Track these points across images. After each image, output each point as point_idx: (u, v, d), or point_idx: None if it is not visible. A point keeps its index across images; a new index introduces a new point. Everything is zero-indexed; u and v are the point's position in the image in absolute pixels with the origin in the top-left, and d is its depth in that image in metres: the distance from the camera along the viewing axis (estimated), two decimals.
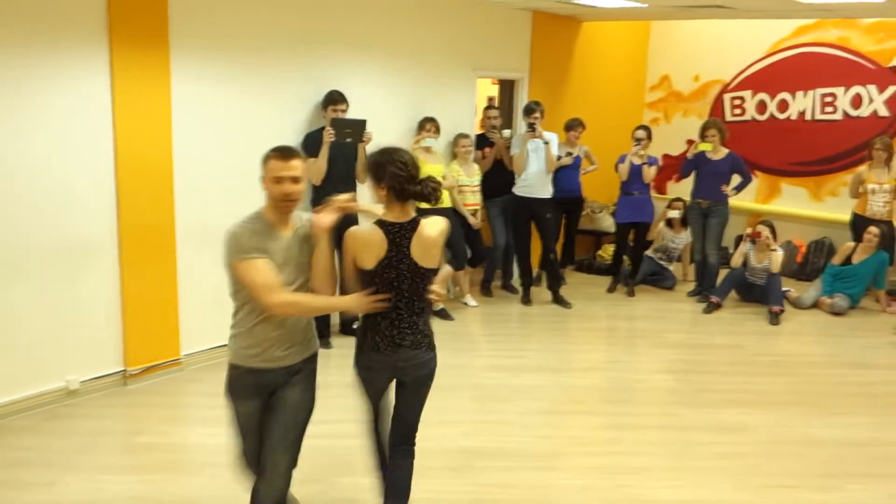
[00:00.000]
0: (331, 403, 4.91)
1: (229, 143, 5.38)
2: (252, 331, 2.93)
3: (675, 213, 7.98)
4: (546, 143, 6.82)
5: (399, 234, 3.04)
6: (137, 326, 4.99)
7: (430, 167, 6.48)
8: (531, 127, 6.75)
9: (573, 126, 7.56)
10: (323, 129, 5.59)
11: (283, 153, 2.88)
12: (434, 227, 3.09)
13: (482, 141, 7.34)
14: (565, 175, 7.53)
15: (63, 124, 4.51)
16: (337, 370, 5.55)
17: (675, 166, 8.57)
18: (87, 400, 4.76)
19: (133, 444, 4.31)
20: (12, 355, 4.48)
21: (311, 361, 3.14)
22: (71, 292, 4.68)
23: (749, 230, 7.36)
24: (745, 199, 8.37)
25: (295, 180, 2.86)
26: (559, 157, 7.33)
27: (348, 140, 5.62)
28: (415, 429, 3.33)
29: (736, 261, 7.35)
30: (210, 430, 4.44)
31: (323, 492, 3.78)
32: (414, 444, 3.33)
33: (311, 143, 5.65)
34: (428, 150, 6.48)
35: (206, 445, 4.25)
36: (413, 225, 3.05)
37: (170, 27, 4.89)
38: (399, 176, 3.01)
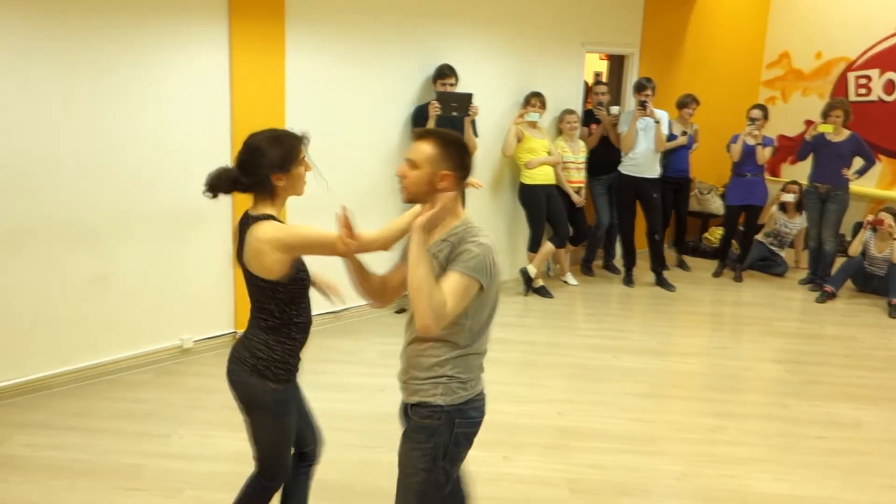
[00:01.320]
0: None
1: (340, 115, 5.48)
2: None
3: (789, 197, 7.64)
4: (657, 121, 6.64)
5: (240, 229, 2.64)
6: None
7: (535, 142, 6.43)
8: (642, 105, 6.58)
9: (687, 103, 7.31)
10: (430, 102, 5.62)
11: (415, 133, 2.46)
12: (264, 231, 2.52)
13: (589, 117, 7.20)
14: (678, 155, 7.33)
15: (183, 96, 4.70)
16: None
17: (792, 148, 8.19)
18: (198, 358, 4.99)
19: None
20: (132, 314, 4.73)
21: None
22: (186, 257, 4.89)
23: (870, 217, 6.97)
24: (866, 184, 7.92)
25: (411, 164, 2.36)
26: (672, 137, 7.13)
27: (454, 114, 5.63)
28: (258, 459, 2.80)
29: (854, 249, 6.98)
30: (312, 393, 4.50)
31: None
32: (259, 475, 2.82)
33: (419, 117, 5.70)
34: (533, 124, 6.42)
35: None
36: (246, 220, 2.61)
37: (286, 1, 5.00)
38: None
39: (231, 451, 3.86)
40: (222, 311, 5.13)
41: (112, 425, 4.09)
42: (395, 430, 4.13)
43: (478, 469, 3.77)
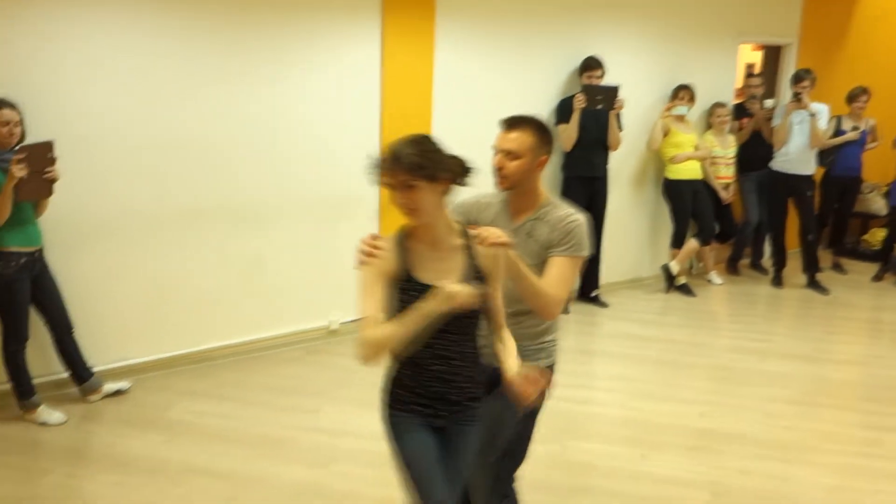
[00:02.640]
0: (563, 368, 5.00)
1: (486, 109, 5.53)
2: None
3: None
4: (812, 115, 6.30)
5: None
6: None
7: (682, 136, 6.27)
8: (797, 97, 6.26)
9: (857, 95, 6.87)
10: (575, 95, 5.59)
11: (506, 122, 2.50)
12: None
13: (740, 111, 6.93)
14: (848, 152, 6.94)
15: (336, 87, 4.91)
16: (574, 336, 5.64)
17: None
18: (345, 339, 5.21)
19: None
20: (286, 295, 5.01)
21: None
22: (335, 241, 5.12)
23: None
24: None
25: (508, 154, 2.42)
26: (840, 132, 6.77)
27: (599, 107, 5.58)
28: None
29: None
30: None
31: (555, 452, 3.86)
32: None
33: (564, 110, 5.69)
34: (680, 118, 6.26)
35: None
36: None
37: None
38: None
39: (373, 429, 4.00)
40: None
41: (265, 398, 4.35)
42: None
43: (615, 465, 3.77)
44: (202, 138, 4.51)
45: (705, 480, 3.63)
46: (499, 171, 2.48)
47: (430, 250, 2.22)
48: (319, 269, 5.10)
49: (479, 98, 5.50)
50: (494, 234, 2.19)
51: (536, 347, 2.56)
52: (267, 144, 4.74)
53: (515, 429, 2.57)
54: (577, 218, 2.44)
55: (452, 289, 2.03)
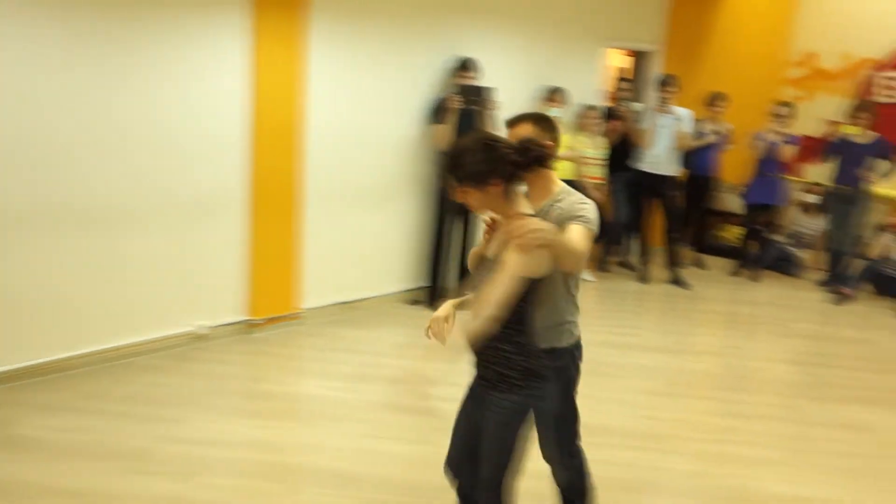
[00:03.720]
0: (443, 367, 5.02)
1: (360, 105, 5.50)
2: None
3: (812, 198, 7.57)
4: (676, 119, 6.59)
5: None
6: (263, 278, 5.21)
7: None
8: (662, 101, 6.53)
9: (715, 100, 7.24)
10: (450, 95, 5.61)
11: (510, 121, 2.73)
12: None
13: (610, 113, 7.17)
14: (702, 153, 7.28)
15: (207, 82, 4.72)
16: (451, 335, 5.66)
17: (815, 148, 8.08)
18: (214, 345, 5.03)
19: (254, 391, 4.53)
20: (148, 299, 4.77)
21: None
22: (202, 242, 4.92)
23: (892, 220, 6.89)
24: (887, 186, 7.82)
25: None
26: (701, 135, 7.11)
27: (474, 107, 5.62)
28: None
29: (875, 252, 6.91)
30: (325, 382, 4.62)
31: (430, 452, 3.85)
32: None
33: (439, 110, 5.70)
34: None
35: (321, 397, 4.42)
36: None
37: None
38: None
39: (244, 439, 3.90)
40: (237, 298, 5.17)
41: (125, 409, 4.13)
42: (405, 420, 4.17)
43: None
44: (44, 134, 4.18)
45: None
46: None
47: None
48: (184, 272, 4.89)
49: (354, 96, 5.44)
50: (520, 229, 2.24)
51: (556, 328, 2.77)
52: (118, 142, 4.46)
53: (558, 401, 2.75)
54: (589, 202, 2.66)
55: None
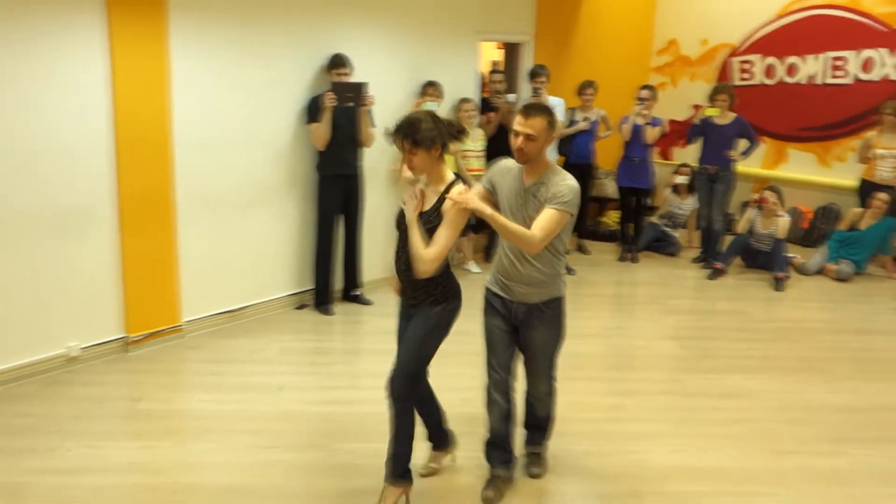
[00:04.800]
0: (328, 370, 4.92)
1: (230, 107, 5.31)
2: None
3: (681, 179, 7.90)
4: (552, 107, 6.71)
5: None
6: (138, 293, 4.95)
7: None
8: (535, 91, 6.64)
9: (584, 88, 7.42)
10: (325, 93, 5.50)
11: (526, 110, 3.09)
12: None
13: (486, 105, 7.23)
14: (579, 141, 7.44)
15: (60, 89, 4.43)
16: (340, 336, 5.57)
17: (682, 132, 8.46)
18: (88, 366, 4.74)
19: (133, 411, 4.29)
20: (11, 322, 4.45)
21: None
22: (70, 258, 4.63)
23: (755, 196, 7.28)
24: (751, 164, 8.29)
25: (528, 137, 3.05)
26: (572, 123, 7.27)
27: (350, 104, 5.53)
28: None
29: (741, 227, 7.28)
30: (210, 396, 4.44)
31: (322, 458, 3.77)
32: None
33: (314, 108, 5.58)
34: None
35: (206, 411, 4.24)
36: None
37: None
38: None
39: (122, 462, 3.68)
40: (110, 316, 4.89)
41: None
42: (295, 428, 4.06)
43: (380, 462, 3.74)
44: None
45: (474, 465, 3.71)
46: (520, 150, 3.08)
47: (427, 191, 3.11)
48: (52, 291, 4.58)
49: (222, 99, 5.25)
50: (461, 197, 2.95)
51: (554, 280, 3.31)
52: None
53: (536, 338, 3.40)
54: (569, 182, 3.11)
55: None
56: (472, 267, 7.14)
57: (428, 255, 3.01)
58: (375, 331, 5.66)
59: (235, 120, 5.34)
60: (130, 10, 4.62)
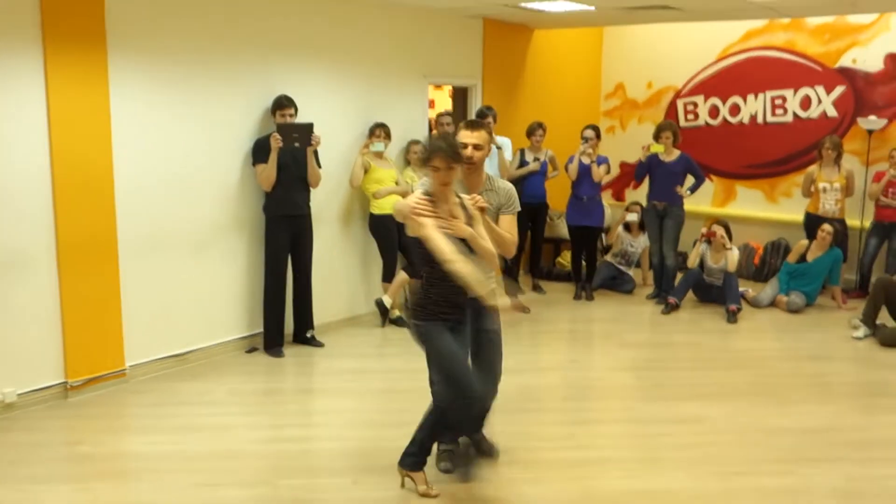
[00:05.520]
0: (277, 409, 4.83)
1: (174, 149, 5.28)
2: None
3: (632, 217, 8.00)
4: (499, 147, 6.79)
5: None
6: (78, 337, 4.83)
7: (382, 172, 6.44)
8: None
9: (534, 129, 7.53)
10: (271, 134, 5.51)
11: (470, 125, 3.67)
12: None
13: None
14: (532, 181, 7.51)
15: None
16: (291, 377, 5.48)
17: (633, 173, 8.59)
18: (25, 413, 4.58)
19: (72, 454, 4.14)
20: None
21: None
22: (6, 302, 4.52)
23: (704, 230, 7.39)
24: (701, 203, 8.44)
25: (476, 147, 3.59)
26: (524, 163, 7.37)
27: (296, 145, 5.54)
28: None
29: (692, 261, 7.37)
30: (152, 438, 4.32)
31: (267, 494, 3.66)
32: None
33: (261, 149, 5.58)
34: (379, 155, 6.43)
35: (148, 453, 4.12)
36: None
37: (107, 27, 4.78)
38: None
39: None
40: (49, 360, 4.75)
41: None
42: (241, 465, 3.95)
43: (326, 496, 3.66)
44: None
45: (418, 497, 3.64)
46: (469, 159, 3.54)
47: (444, 205, 3.42)
48: None
49: (166, 135, 5.21)
50: (481, 200, 3.49)
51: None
52: None
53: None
54: (509, 186, 3.76)
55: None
56: None
57: (512, 238, 3.66)
58: (328, 371, 5.58)
59: (179, 161, 5.30)
60: (68, 48, 4.60)
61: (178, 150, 5.30)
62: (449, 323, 3.47)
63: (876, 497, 3.70)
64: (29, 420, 4.51)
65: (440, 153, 3.33)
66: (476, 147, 3.59)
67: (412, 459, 3.66)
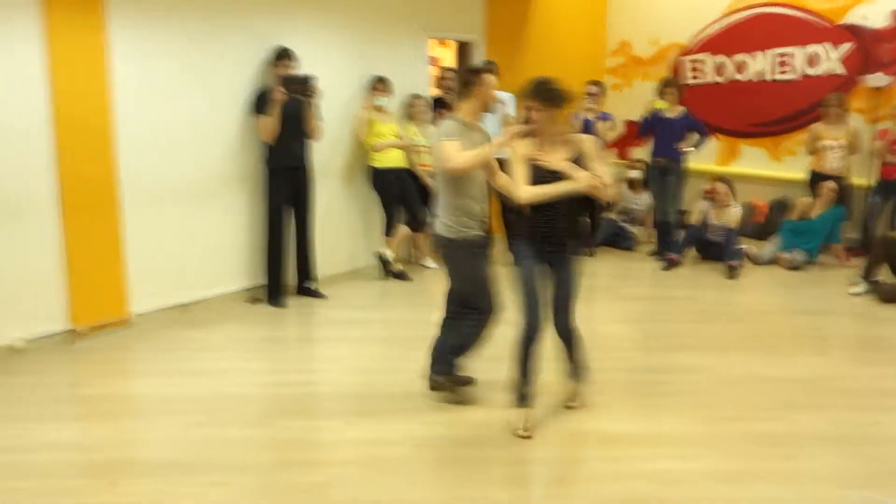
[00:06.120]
0: (278, 356, 4.92)
1: (175, 99, 5.32)
2: None
3: (635, 174, 8.00)
4: (502, 102, 6.78)
5: None
6: (83, 284, 4.93)
7: (383, 126, 6.47)
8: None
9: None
10: (272, 86, 5.53)
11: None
12: None
13: (438, 102, 7.30)
14: None
15: None
16: (292, 326, 5.57)
17: (637, 131, 8.57)
18: (32, 357, 4.70)
19: (73, 395, 4.26)
20: None
21: None
22: (10, 248, 4.61)
23: (706, 187, 7.39)
24: (705, 161, 8.41)
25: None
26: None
27: (297, 96, 5.57)
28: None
29: (695, 219, 7.38)
30: (152, 380, 4.43)
31: (265, 434, 3.76)
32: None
33: (262, 101, 5.61)
34: (380, 109, 6.44)
35: (146, 395, 4.24)
36: None
37: None
38: None
39: (57, 442, 3.65)
40: (55, 308, 4.86)
41: None
42: (239, 407, 4.05)
43: (322, 437, 3.75)
44: None
45: (405, 437, 3.72)
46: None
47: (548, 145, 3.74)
48: None
49: (166, 90, 5.27)
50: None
51: None
52: None
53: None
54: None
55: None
56: (430, 262, 7.17)
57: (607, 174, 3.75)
58: (328, 321, 5.67)
59: (180, 112, 5.35)
60: (66, 3, 4.63)
61: (179, 100, 5.35)
62: (539, 255, 3.74)
63: (860, 441, 3.75)
64: (36, 363, 4.62)
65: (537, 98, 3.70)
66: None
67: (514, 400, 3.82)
